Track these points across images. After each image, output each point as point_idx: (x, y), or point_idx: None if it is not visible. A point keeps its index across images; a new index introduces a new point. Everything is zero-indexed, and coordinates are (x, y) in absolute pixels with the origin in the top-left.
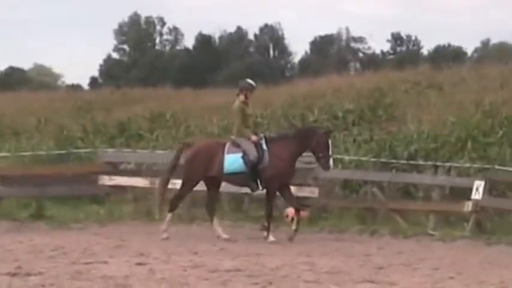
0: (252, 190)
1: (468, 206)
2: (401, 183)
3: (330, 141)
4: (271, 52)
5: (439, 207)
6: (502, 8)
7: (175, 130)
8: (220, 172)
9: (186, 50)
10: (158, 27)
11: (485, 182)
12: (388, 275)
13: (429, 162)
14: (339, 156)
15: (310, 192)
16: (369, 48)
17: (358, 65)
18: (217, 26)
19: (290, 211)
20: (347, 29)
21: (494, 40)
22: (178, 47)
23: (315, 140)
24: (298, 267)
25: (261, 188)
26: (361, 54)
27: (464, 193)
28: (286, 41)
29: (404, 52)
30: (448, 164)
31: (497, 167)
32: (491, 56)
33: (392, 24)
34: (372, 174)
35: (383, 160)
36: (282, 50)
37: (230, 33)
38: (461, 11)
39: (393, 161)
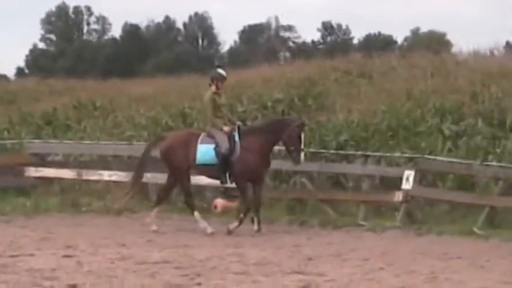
0: (222, 183)
1: (398, 196)
2: (331, 174)
3: (302, 134)
4: (200, 42)
5: (369, 197)
6: None
7: (103, 121)
8: (192, 163)
9: (114, 39)
10: (86, 17)
11: (416, 172)
12: (318, 266)
13: (359, 152)
14: None
15: None
16: (299, 37)
17: (288, 54)
18: (145, 15)
19: (219, 202)
20: (276, 18)
21: (423, 29)
22: (106, 37)
23: (287, 133)
24: (227, 259)
25: (229, 181)
26: (291, 44)
27: (395, 183)
28: (215, 31)
29: (334, 41)
30: (378, 153)
31: (427, 156)
32: (421, 45)
33: (324, 13)
34: (301, 164)
35: (312, 150)
36: (211, 39)
37: (158, 23)
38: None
39: (323, 150)
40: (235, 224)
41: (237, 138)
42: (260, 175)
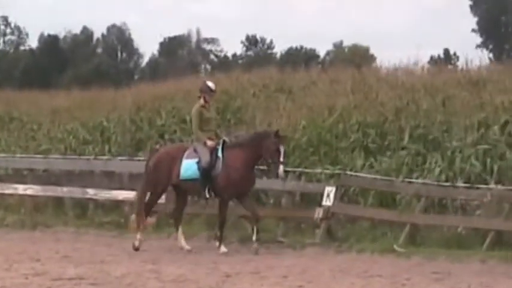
0: (202, 198)
1: (319, 213)
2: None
3: (282, 147)
4: (119, 54)
5: (289, 213)
6: (358, 9)
7: (18, 133)
8: (176, 178)
9: (31, 50)
10: (2, 27)
11: (337, 188)
12: (236, 283)
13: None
14: None
15: None
16: (222, 50)
17: (209, 67)
18: (62, 26)
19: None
20: (198, 30)
21: (347, 42)
22: (22, 48)
23: (265, 145)
24: (144, 275)
25: (208, 196)
26: (212, 56)
27: (315, 199)
28: (135, 42)
29: (256, 54)
30: (298, 169)
31: (348, 172)
32: (344, 59)
33: (249, 25)
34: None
35: None
36: (131, 51)
37: (76, 34)
38: (316, 13)
39: None
40: (217, 244)
41: (220, 153)
42: (244, 191)
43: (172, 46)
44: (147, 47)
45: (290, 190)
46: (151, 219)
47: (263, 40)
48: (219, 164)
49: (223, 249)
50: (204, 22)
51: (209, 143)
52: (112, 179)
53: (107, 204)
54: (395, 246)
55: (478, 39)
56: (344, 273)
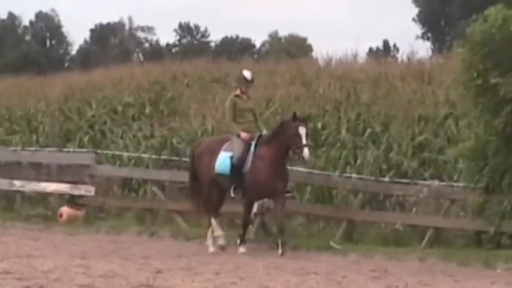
0: (234, 195)
1: (254, 208)
2: (183, 183)
3: (302, 129)
4: (48, 41)
5: (223, 208)
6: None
7: None
8: (212, 173)
9: None
10: None
11: None
12: (167, 279)
13: None
14: (117, 152)
15: (86, 190)
16: (156, 39)
17: (141, 56)
18: None
19: (64, 210)
20: (130, 18)
21: (283, 32)
22: None
23: (286, 133)
24: (72, 270)
25: (234, 195)
26: (146, 45)
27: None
28: (64, 29)
29: (191, 43)
30: None
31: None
32: (281, 50)
33: (184, 13)
34: (152, 172)
35: (164, 157)
36: (60, 39)
37: (2, 20)
38: (251, 2)
39: (175, 158)
40: (240, 243)
41: (252, 147)
42: (275, 189)
43: (103, 34)
44: (78, 35)
45: None
46: (79, 212)
47: (197, 28)
48: (249, 160)
49: (242, 249)
50: (137, 9)
51: (243, 135)
52: (40, 171)
53: (35, 197)
54: (331, 243)
55: (419, 31)
56: (279, 270)
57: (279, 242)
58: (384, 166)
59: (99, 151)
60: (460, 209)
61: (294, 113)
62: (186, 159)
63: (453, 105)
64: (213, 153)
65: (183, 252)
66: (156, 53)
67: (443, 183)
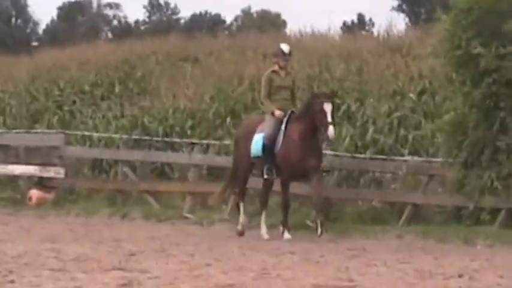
0: (267, 176)
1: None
2: (155, 163)
3: (328, 106)
4: (13, 20)
5: (196, 188)
6: None
7: None
8: (250, 156)
9: None
10: None
11: None
12: (140, 262)
13: (185, 140)
14: (87, 133)
15: (56, 172)
16: (125, 16)
17: (110, 34)
18: None
19: (34, 193)
20: None
21: (255, 8)
22: None
23: (312, 111)
24: (43, 254)
25: (266, 176)
26: (115, 23)
27: (223, 173)
28: (30, 9)
29: (160, 20)
30: (205, 141)
31: None
32: (253, 25)
33: None
34: (123, 153)
35: (135, 137)
36: (26, 18)
37: None
38: None
39: (146, 138)
40: (283, 230)
41: (283, 126)
42: (308, 168)
43: (71, 11)
44: (45, 13)
45: (197, 163)
46: (49, 195)
47: (167, 5)
48: (280, 138)
49: (287, 235)
50: None
51: (277, 113)
52: (7, 153)
53: (3, 180)
54: (307, 222)
55: (394, 2)
56: (254, 250)
57: (318, 222)
58: (360, 143)
59: (68, 132)
60: (439, 185)
61: (314, 92)
62: (158, 138)
63: (429, 79)
64: (249, 136)
65: (156, 233)
66: (125, 30)
67: (421, 159)
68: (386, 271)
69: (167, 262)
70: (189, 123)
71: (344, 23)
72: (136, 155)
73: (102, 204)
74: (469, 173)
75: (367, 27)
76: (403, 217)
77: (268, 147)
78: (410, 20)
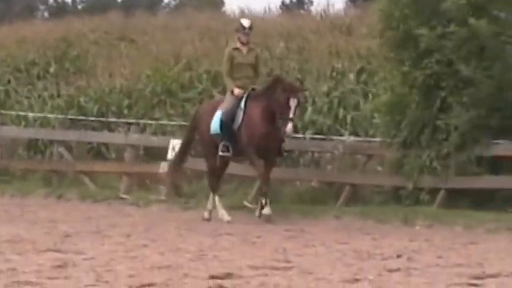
0: (222, 152)
1: (164, 168)
2: (91, 143)
3: (293, 102)
4: None
5: (132, 168)
6: None
7: None
8: (209, 133)
9: None
10: None
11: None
12: (76, 243)
13: (122, 120)
14: (22, 113)
15: None
16: None
17: (46, 13)
18: None
19: None
20: None
21: None
22: None
23: (276, 98)
24: None
25: (222, 153)
26: (51, 1)
27: (160, 153)
28: None
29: None
30: (142, 121)
31: None
32: (191, 3)
33: None
34: (58, 133)
35: (71, 117)
36: None
37: None
38: None
39: (82, 118)
40: (264, 204)
41: (242, 103)
42: (268, 149)
43: None
44: None
45: (133, 144)
46: None
47: None
48: (239, 116)
49: (267, 210)
50: None
51: (236, 91)
52: None
53: None
54: (245, 202)
55: None
56: (191, 231)
57: (260, 203)
58: (299, 124)
59: (3, 111)
60: (378, 165)
61: (283, 80)
62: (94, 118)
63: (368, 58)
64: (211, 114)
65: (91, 214)
66: (62, 9)
67: (359, 139)
68: (325, 252)
69: (103, 243)
70: (126, 102)
71: (283, 2)
72: (72, 135)
73: (38, 184)
74: (407, 152)
75: (305, 7)
76: (342, 197)
77: (226, 123)
78: None
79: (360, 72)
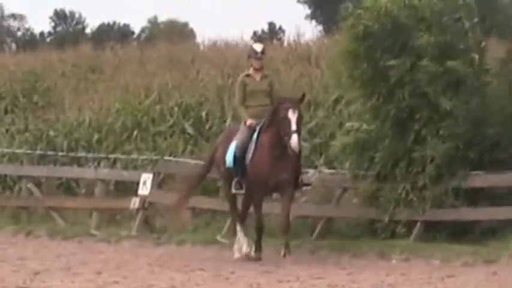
0: (236, 190)
1: (135, 203)
2: (61, 178)
3: (293, 113)
4: None
5: (103, 204)
6: None
7: None
8: (225, 166)
9: None
10: None
11: (154, 175)
12: (45, 280)
13: (91, 154)
14: None
15: None
16: (30, 27)
17: (14, 46)
18: None
19: None
20: (1, 6)
21: (162, 18)
22: None
23: (277, 117)
24: None
25: (235, 190)
26: (19, 34)
27: (131, 188)
28: None
29: (66, 31)
30: (112, 155)
31: (167, 158)
32: (161, 35)
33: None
34: (27, 168)
35: (40, 152)
36: None
37: None
38: None
39: (51, 153)
40: (256, 250)
41: (255, 135)
42: (278, 182)
43: None
44: None
45: (103, 178)
46: None
47: (72, 15)
48: (251, 149)
49: (255, 255)
50: None
51: (249, 122)
52: None
53: None
54: (218, 237)
55: (306, 11)
56: (163, 267)
57: (284, 243)
58: None
59: None
60: (353, 197)
61: (281, 96)
62: (63, 153)
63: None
64: (228, 143)
65: (61, 251)
66: (30, 42)
67: (332, 171)
68: (299, 287)
69: (73, 280)
70: (96, 136)
71: (254, 33)
72: (41, 171)
73: (6, 221)
74: (382, 185)
75: (278, 36)
76: (316, 231)
77: (239, 158)
78: (324, 27)
79: (335, 102)
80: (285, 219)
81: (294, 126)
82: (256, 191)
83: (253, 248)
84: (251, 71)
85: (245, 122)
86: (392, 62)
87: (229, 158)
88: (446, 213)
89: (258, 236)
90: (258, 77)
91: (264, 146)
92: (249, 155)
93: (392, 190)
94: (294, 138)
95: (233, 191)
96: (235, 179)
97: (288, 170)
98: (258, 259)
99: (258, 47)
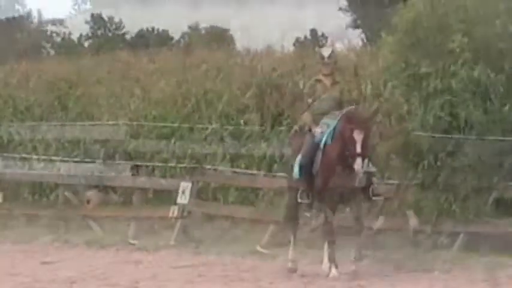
0: (301, 199)
1: (173, 212)
2: (98, 186)
3: (358, 135)
4: None
5: (141, 212)
6: None
7: None
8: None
9: None
10: None
11: (193, 184)
12: None
13: (129, 162)
14: (27, 155)
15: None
16: (69, 33)
17: (52, 50)
18: None
19: None
20: (39, 11)
21: (203, 24)
22: None
23: (343, 134)
24: None
25: (301, 200)
26: (58, 39)
27: (170, 196)
28: None
29: (105, 35)
30: (150, 163)
31: (206, 166)
32: (202, 42)
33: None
34: (64, 176)
35: (77, 160)
36: None
37: None
38: None
39: (88, 160)
40: (328, 266)
41: (323, 143)
42: (347, 192)
43: (9, 28)
44: None
45: (142, 187)
46: None
47: (111, 19)
48: (318, 158)
49: (334, 272)
50: (45, 1)
51: (314, 129)
52: None
53: None
54: (258, 248)
55: (347, 19)
56: (202, 277)
57: (354, 251)
58: None
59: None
60: (396, 208)
61: (349, 109)
62: (101, 160)
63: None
64: (298, 151)
65: (98, 260)
66: (68, 47)
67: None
68: None
69: None
70: (133, 144)
71: (297, 39)
72: (78, 179)
73: (43, 230)
74: (426, 195)
75: (320, 43)
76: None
77: (305, 167)
78: (366, 35)
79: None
80: (357, 231)
81: (358, 149)
82: (325, 201)
83: (324, 261)
84: (321, 76)
85: (310, 128)
86: (426, 69)
87: (295, 169)
88: (490, 224)
89: (330, 248)
90: (328, 82)
91: (331, 154)
92: (317, 164)
93: (435, 200)
94: (358, 162)
95: (299, 200)
96: (301, 189)
97: (353, 178)
98: (335, 273)
99: (326, 52)
